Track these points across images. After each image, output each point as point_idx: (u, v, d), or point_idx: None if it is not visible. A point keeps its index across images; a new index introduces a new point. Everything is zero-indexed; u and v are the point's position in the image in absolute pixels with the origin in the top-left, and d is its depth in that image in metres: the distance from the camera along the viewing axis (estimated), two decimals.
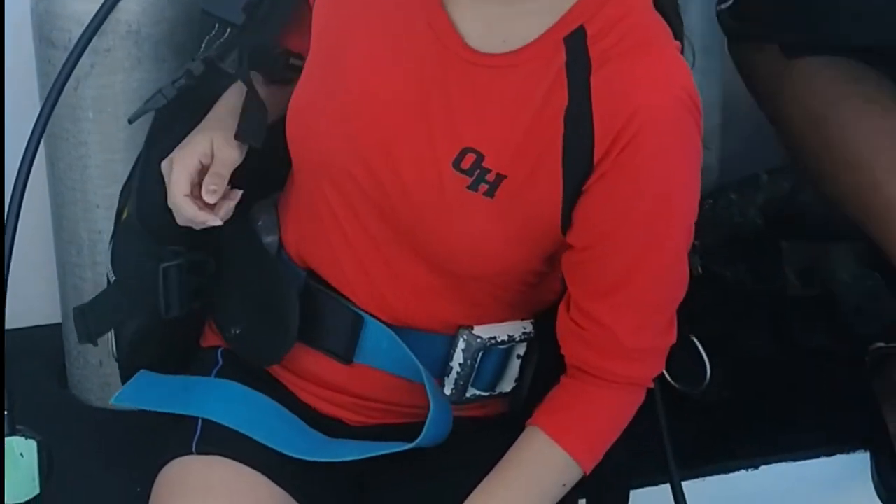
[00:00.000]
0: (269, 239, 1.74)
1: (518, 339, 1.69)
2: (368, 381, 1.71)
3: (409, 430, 1.66)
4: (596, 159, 1.52)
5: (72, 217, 2.09)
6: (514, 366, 1.71)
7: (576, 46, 1.53)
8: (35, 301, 2.27)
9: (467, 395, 1.70)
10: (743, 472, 2.02)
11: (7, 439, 1.82)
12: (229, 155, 1.63)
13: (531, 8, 1.55)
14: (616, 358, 1.60)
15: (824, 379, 2.21)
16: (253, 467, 1.64)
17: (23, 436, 1.83)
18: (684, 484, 1.84)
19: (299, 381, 1.74)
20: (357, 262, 1.66)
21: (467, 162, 1.55)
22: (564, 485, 1.61)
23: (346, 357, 1.69)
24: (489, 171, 1.55)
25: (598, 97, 1.51)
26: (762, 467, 2.02)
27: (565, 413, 1.62)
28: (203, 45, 1.75)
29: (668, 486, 1.84)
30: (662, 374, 1.83)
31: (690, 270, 1.80)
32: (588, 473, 1.62)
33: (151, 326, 1.76)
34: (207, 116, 1.68)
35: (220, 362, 1.76)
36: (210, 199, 1.60)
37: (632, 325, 1.59)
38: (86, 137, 2.04)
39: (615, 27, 1.54)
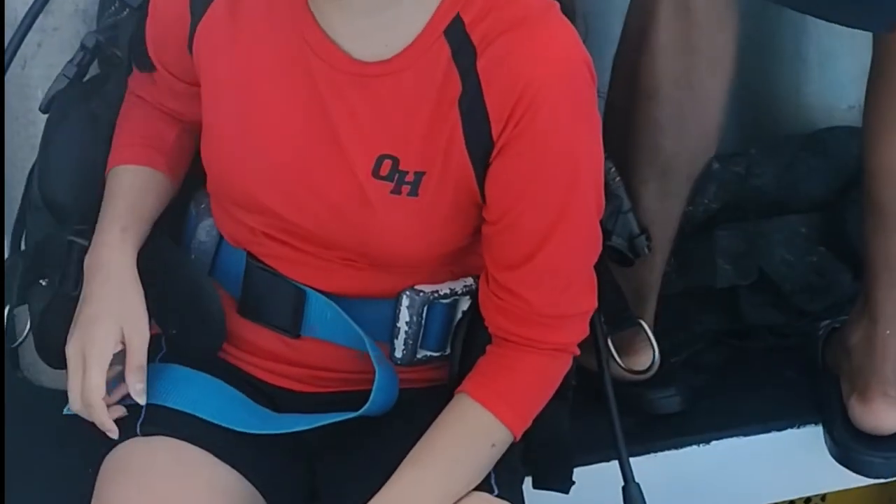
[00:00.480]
0: (207, 222, 1.76)
1: (461, 292, 1.71)
2: (317, 352, 1.73)
3: (360, 399, 1.68)
4: (495, 137, 1.57)
5: (20, 197, 2.07)
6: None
7: (456, 36, 1.57)
8: None
9: (418, 356, 1.72)
10: (694, 447, 2.03)
11: None
12: (143, 342, 1.64)
13: (400, 13, 1.58)
14: (534, 325, 1.63)
15: (773, 354, 2.23)
16: (198, 446, 1.65)
17: None
18: (633, 460, 1.85)
19: (248, 357, 1.76)
20: (291, 258, 1.70)
21: (385, 168, 1.60)
22: (493, 445, 1.63)
23: (293, 331, 1.72)
24: (407, 172, 1.59)
25: (486, 79, 1.56)
26: (713, 442, 2.03)
27: (491, 378, 1.64)
28: (101, 20, 1.82)
29: (616, 462, 1.84)
30: (610, 352, 1.88)
31: (638, 251, 1.84)
32: (518, 437, 1.64)
33: (60, 300, 1.77)
34: (94, 291, 1.66)
35: (164, 349, 1.78)
36: (140, 399, 1.63)
37: (547, 293, 1.62)
38: (34, 117, 2.01)
39: (491, 10, 1.57)
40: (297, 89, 1.62)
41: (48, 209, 1.77)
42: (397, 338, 1.70)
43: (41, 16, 1.90)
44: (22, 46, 1.89)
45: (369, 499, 1.61)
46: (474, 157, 1.58)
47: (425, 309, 1.69)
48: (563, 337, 1.65)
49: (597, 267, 1.72)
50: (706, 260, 2.25)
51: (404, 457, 1.63)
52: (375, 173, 1.60)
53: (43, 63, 1.98)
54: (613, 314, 1.88)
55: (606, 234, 1.79)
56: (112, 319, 1.62)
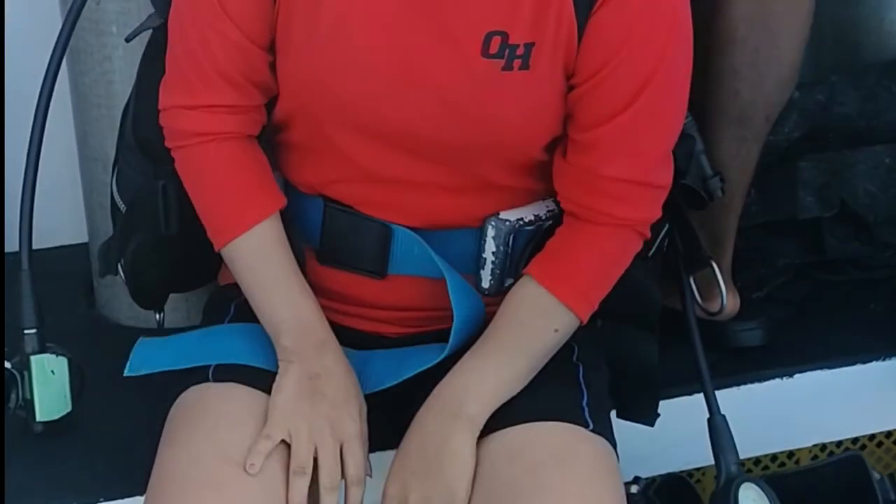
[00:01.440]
0: (275, 174, 1.72)
1: (544, 217, 1.68)
2: (404, 290, 1.71)
3: (447, 336, 1.65)
4: None
5: (97, 133, 2.09)
6: None
7: None
8: (62, 221, 2.27)
9: (505, 284, 1.69)
10: (778, 380, 2.00)
11: (38, 357, 1.84)
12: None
13: None
14: (604, 194, 1.61)
15: (857, 287, 2.20)
16: (268, 393, 1.62)
17: (53, 353, 1.85)
18: (718, 393, 1.83)
19: (334, 305, 1.73)
20: (371, 198, 1.67)
21: (494, 45, 1.56)
22: (557, 330, 1.62)
23: (381, 271, 1.69)
24: (517, 45, 1.56)
25: None
26: (797, 376, 2.00)
27: (554, 259, 1.63)
28: None
29: (701, 395, 1.83)
30: (692, 288, 1.86)
31: (711, 193, 1.82)
32: (584, 321, 1.63)
33: (153, 242, 1.77)
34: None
35: (232, 312, 1.76)
36: None
37: (621, 155, 1.60)
38: (110, 52, 2.04)
39: None
40: None
41: (140, 148, 1.73)
42: (484, 268, 1.68)
43: None
44: None
45: None
46: (579, 16, 1.56)
47: (511, 237, 1.67)
48: (632, 211, 1.63)
49: (670, 207, 1.71)
50: (788, 192, 2.21)
51: None
52: (485, 52, 1.56)
53: None
54: (688, 254, 1.87)
55: (679, 174, 1.76)
56: (361, 398, 1.62)
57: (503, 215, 1.67)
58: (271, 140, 1.70)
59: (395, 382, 1.66)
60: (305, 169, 1.70)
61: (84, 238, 2.26)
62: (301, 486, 1.55)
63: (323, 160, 1.67)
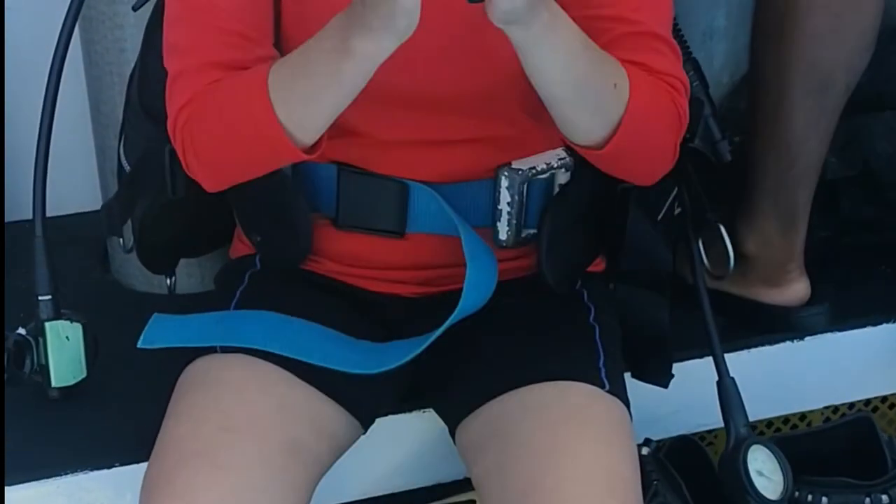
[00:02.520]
0: None
1: (556, 165, 1.69)
2: (423, 248, 1.72)
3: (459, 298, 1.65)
4: None
5: (109, 101, 2.09)
6: None
7: None
8: (75, 188, 2.27)
9: (522, 234, 1.70)
10: (788, 343, 2.00)
11: (52, 323, 1.85)
12: None
13: None
14: (646, 50, 1.62)
15: (869, 250, 2.21)
16: (275, 363, 1.64)
17: (68, 319, 1.86)
18: (729, 356, 1.85)
19: (352, 270, 1.75)
20: (387, 145, 1.67)
21: None
22: (616, 84, 1.58)
23: (400, 229, 1.70)
24: None
25: None
26: (807, 338, 2.01)
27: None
28: None
29: (710, 358, 1.84)
30: (700, 251, 1.87)
31: (721, 156, 1.83)
32: (630, 99, 1.59)
33: (160, 207, 1.78)
34: None
35: (258, 266, 1.78)
36: None
37: (653, 18, 1.63)
38: (122, 20, 2.04)
39: None
40: None
41: (146, 114, 1.74)
42: (500, 220, 1.69)
43: None
44: None
45: (487, 390, 1.64)
46: None
47: (525, 187, 1.67)
48: (660, 62, 1.62)
49: (678, 170, 1.72)
50: None
51: (514, 345, 1.66)
52: None
53: None
54: (695, 218, 1.88)
55: (688, 137, 1.77)
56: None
57: (515, 164, 1.67)
58: None
59: (411, 356, 1.65)
60: None
61: (97, 205, 2.26)
62: None
63: (332, 129, 1.64)
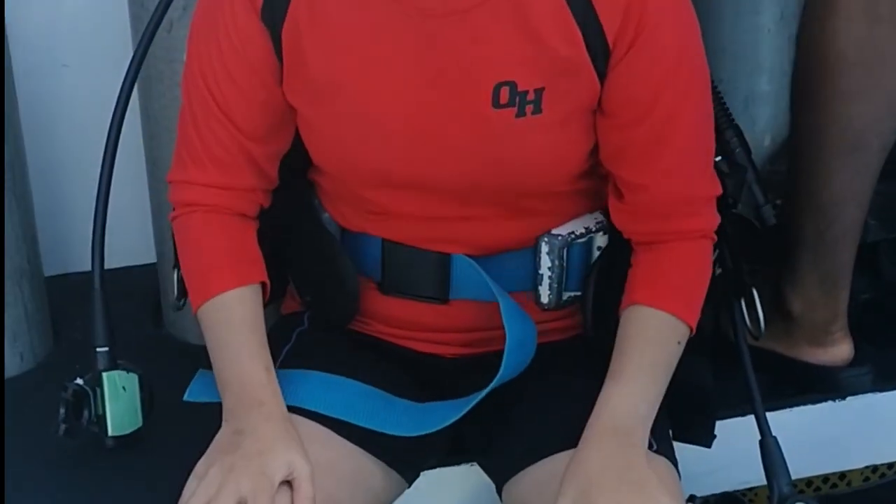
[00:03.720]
0: (326, 216, 1.79)
1: (594, 229, 1.75)
2: (465, 313, 1.77)
3: (499, 358, 1.69)
4: (611, 44, 1.61)
5: (166, 157, 2.07)
6: None
7: None
8: (131, 242, 2.32)
9: (563, 297, 1.76)
10: (830, 402, 2.03)
11: (110, 373, 1.91)
12: (310, 474, 1.59)
13: None
14: (666, 217, 1.69)
15: None
16: (316, 421, 1.68)
17: (124, 370, 1.91)
18: (771, 415, 1.86)
19: (398, 331, 1.80)
20: (425, 232, 1.73)
21: (504, 95, 1.62)
22: (679, 342, 1.68)
23: (443, 297, 1.76)
24: (526, 91, 1.61)
25: None
26: (849, 398, 2.03)
27: (652, 282, 1.70)
28: None
29: (752, 416, 1.86)
30: (742, 310, 1.90)
31: (765, 220, 1.86)
32: (695, 329, 1.69)
33: None
34: (258, 427, 1.61)
35: (306, 324, 1.84)
36: None
37: (669, 181, 1.68)
38: (179, 79, 2.02)
39: None
40: (396, 48, 1.62)
41: None
42: (542, 284, 1.75)
43: None
44: (168, 11, 1.93)
45: (536, 452, 1.67)
46: (597, 63, 1.62)
47: (565, 252, 1.73)
48: (695, 223, 1.71)
49: (721, 233, 1.77)
50: None
51: (560, 408, 1.68)
52: (496, 103, 1.61)
53: (188, 26, 1.98)
54: (735, 280, 1.90)
55: (731, 204, 1.82)
56: (283, 455, 1.59)
57: (555, 231, 1.73)
58: (319, 185, 1.79)
59: (455, 418, 1.69)
60: (349, 214, 1.78)
61: (152, 259, 2.33)
62: None
63: (367, 211, 1.74)
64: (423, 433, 1.69)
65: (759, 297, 1.89)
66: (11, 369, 2.16)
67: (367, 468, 1.70)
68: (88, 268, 1.96)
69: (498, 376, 1.68)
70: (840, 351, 2.04)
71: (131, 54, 1.95)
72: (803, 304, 2.03)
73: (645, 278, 1.71)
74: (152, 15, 1.91)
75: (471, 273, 1.73)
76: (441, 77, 1.62)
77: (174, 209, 1.76)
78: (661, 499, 1.56)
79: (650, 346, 1.67)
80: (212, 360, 1.70)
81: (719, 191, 1.75)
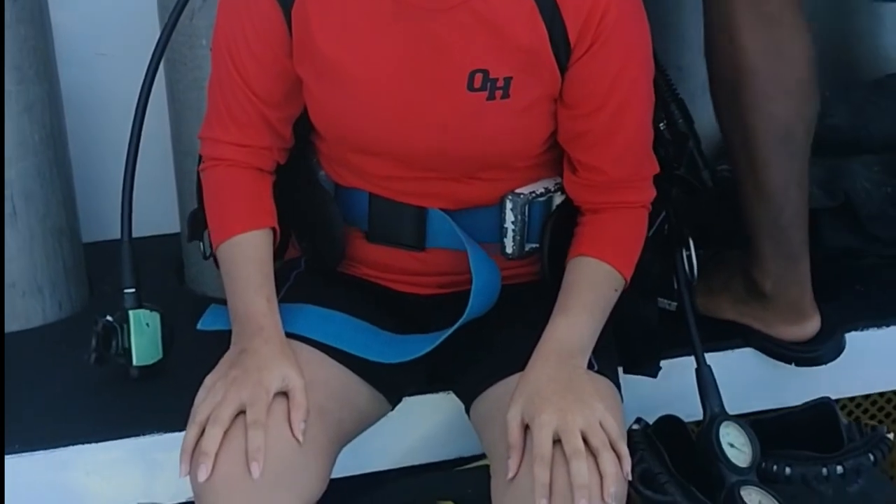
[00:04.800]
0: (322, 174, 2.07)
1: (553, 189, 2.02)
2: (439, 260, 2.04)
3: (467, 296, 1.96)
4: (573, 44, 1.88)
5: (189, 132, 2.40)
6: None
7: None
8: (158, 212, 2.56)
9: (526, 248, 2.03)
10: None
11: (135, 311, 2.18)
12: (303, 388, 1.85)
13: None
14: (614, 190, 1.97)
15: (848, 272, 2.49)
16: (312, 346, 1.94)
17: (148, 309, 2.19)
18: (708, 356, 2.13)
19: (382, 274, 2.08)
20: (407, 188, 2.00)
21: (477, 81, 1.90)
22: (616, 290, 1.95)
23: (420, 245, 2.03)
24: (497, 79, 1.89)
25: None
26: None
27: (597, 239, 1.97)
28: None
29: (692, 357, 2.12)
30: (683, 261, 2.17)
31: (704, 183, 2.15)
32: (629, 281, 1.96)
33: None
34: (258, 348, 1.86)
35: (302, 267, 2.11)
36: (299, 436, 1.83)
37: (623, 165, 1.96)
38: (200, 62, 2.36)
39: None
40: (389, 34, 1.89)
41: None
42: (506, 236, 2.01)
43: None
44: (190, 2, 2.20)
45: (495, 374, 1.93)
46: (559, 59, 1.89)
47: (526, 208, 2.00)
48: (636, 195, 1.99)
49: (664, 198, 2.05)
50: None
51: (516, 338, 1.93)
52: (470, 87, 1.89)
53: (208, 15, 2.28)
54: (675, 236, 2.16)
55: (673, 166, 2.10)
56: (279, 370, 1.85)
57: (518, 190, 2.00)
58: (318, 150, 2.05)
59: (430, 347, 1.96)
60: (343, 173, 2.04)
61: (175, 227, 2.59)
62: (189, 434, 1.81)
63: (356, 172, 2.02)
64: (402, 360, 1.95)
65: (695, 247, 2.15)
66: (51, 315, 2.45)
67: (354, 387, 1.96)
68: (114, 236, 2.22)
69: (465, 314, 1.95)
70: (811, 325, 2.25)
71: (156, 39, 2.19)
72: (773, 284, 2.23)
73: (589, 235, 1.98)
74: (175, 5, 2.16)
75: (444, 225, 2.00)
76: (425, 62, 1.89)
77: (202, 162, 2.03)
78: (595, 405, 1.81)
79: (591, 288, 1.93)
80: (225, 292, 1.97)
81: (657, 169, 2.02)
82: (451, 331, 1.96)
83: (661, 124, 2.08)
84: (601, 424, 1.80)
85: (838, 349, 2.29)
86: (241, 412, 1.80)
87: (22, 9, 2.31)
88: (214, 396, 1.83)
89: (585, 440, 1.78)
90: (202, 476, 1.76)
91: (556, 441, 1.78)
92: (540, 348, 1.88)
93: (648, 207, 2.02)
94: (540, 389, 1.83)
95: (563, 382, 1.83)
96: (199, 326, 2.04)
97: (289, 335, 1.93)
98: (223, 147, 2.00)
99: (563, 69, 1.90)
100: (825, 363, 2.27)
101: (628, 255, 1.98)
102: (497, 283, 2.01)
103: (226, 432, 1.79)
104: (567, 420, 1.78)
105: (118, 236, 2.21)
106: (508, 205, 2.00)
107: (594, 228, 1.99)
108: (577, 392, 1.83)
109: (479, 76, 1.89)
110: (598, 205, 1.99)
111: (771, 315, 2.26)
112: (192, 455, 1.80)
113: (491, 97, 1.90)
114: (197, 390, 1.89)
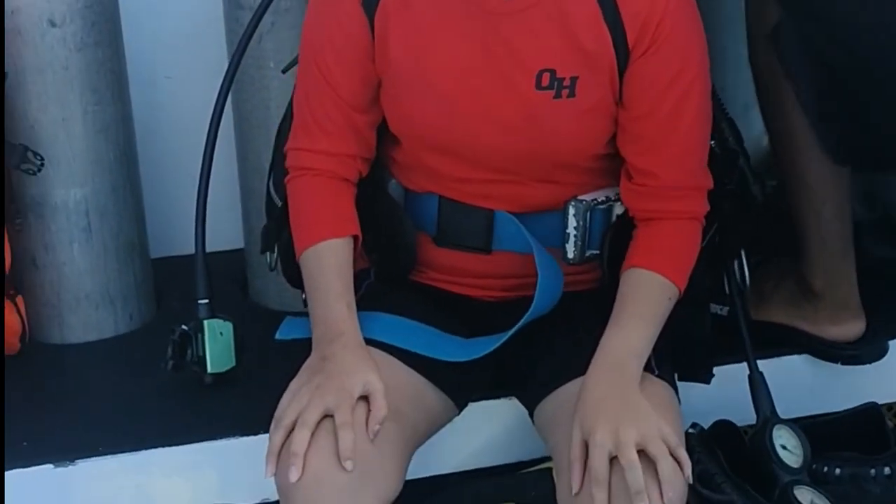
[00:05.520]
0: (392, 183, 2.15)
1: (613, 198, 2.10)
2: (505, 263, 2.12)
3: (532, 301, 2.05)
4: (631, 45, 1.98)
5: (255, 150, 2.51)
6: None
7: None
8: (223, 229, 2.61)
9: (586, 254, 2.11)
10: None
11: (209, 321, 2.28)
12: (382, 393, 1.92)
13: None
14: (667, 199, 2.04)
15: (891, 284, 2.55)
16: (385, 351, 2.02)
17: (221, 319, 2.28)
18: (760, 362, 2.21)
19: (448, 277, 2.16)
20: (474, 190, 2.08)
21: (545, 80, 1.99)
22: (669, 298, 2.01)
23: (487, 248, 2.11)
24: (563, 78, 1.99)
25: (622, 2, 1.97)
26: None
27: (649, 250, 2.04)
28: None
29: (744, 364, 2.21)
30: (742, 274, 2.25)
31: (754, 196, 2.22)
32: (683, 290, 2.02)
33: None
34: (337, 353, 1.94)
35: (372, 277, 2.20)
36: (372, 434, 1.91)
37: (675, 171, 2.03)
38: (268, 83, 2.46)
39: None
40: (463, 36, 1.99)
41: None
42: (568, 241, 2.09)
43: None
44: (259, 25, 2.30)
45: (558, 378, 2.01)
46: (618, 62, 1.98)
47: (588, 214, 2.08)
48: (688, 206, 2.05)
49: (717, 208, 2.11)
50: None
51: (577, 344, 2.01)
52: (538, 86, 1.99)
53: (275, 38, 2.41)
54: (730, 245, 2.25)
55: (726, 182, 2.17)
56: (361, 375, 1.92)
57: (581, 197, 2.08)
58: (391, 159, 2.13)
59: (495, 346, 2.05)
60: (416, 178, 2.13)
61: (240, 244, 2.69)
62: (276, 437, 1.88)
63: (427, 174, 2.10)
64: (468, 359, 2.04)
65: (746, 257, 2.24)
66: (122, 327, 2.55)
67: (426, 391, 2.05)
68: (186, 252, 2.32)
69: (528, 312, 2.03)
70: (857, 325, 2.35)
71: (224, 65, 2.31)
72: (824, 280, 2.33)
73: (643, 247, 2.05)
74: (246, 28, 2.27)
75: (510, 227, 2.08)
76: (496, 62, 1.99)
77: (289, 173, 2.11)
78: (650, 416, 1.89)
79: (644, 300, 2.00)
80: (307, 299, 2.05)
81: (711, 184, 2.08)
82: (516, 328, 2.04)
83: (712, 142, 2.15)
84: (659, 433, 1.87)
85: (881, 351, 2.37)
86: (326, 416, 1.88)
87: (100, 32, 2.42)
88: (300, 401, 1.90)
89: (644, 451, 1.85)
90: (294, 476, 1.84)
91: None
92: (595, 362, 1.96)
93: (702, 221, 2.08)
94: (595, 406, 1.90)
95: (617, 397, 1.91)
96: (276, 336, 2.14)
97: (365, 341, 2.01)
98: (309, 157, 2.08)
99: (622, 71, 1.99)
100: (868, 363, 2.36)
101: (682, 266, 2.05)
102: (560, 284, 2.09)
103: (312, 434, 1.86)
104: (620, 435, 1.85)
105: (181, 252, 2.30)
106: (571, 210, 2.08)
107: (647, 240, 2.06)
108: (632, 406, 1.90)
109: (546, 75, 1.99)
110: (651, 213, 2.05)
111: (821, 314, 2.35)
112: (279, 457, 1.87)
113: (558, 96, 1.99)
114: (266, 397, 1.98)
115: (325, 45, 2.05)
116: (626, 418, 1.87)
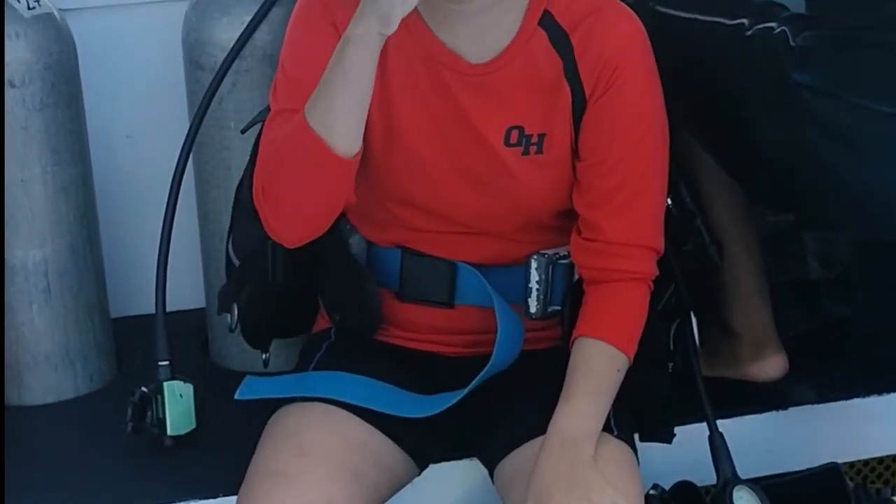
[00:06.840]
0: (356, 238, 2.15)
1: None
2: (467, 317, 2.14)
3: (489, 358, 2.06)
4: (587, 95, 2.00)
5: (216, 211, 2.51)
6: None
7: (549, 25, 2.00)
8: (183, 289, 2.60)
9: (549, 309, 2.12)
10: (773, 412, 2.38)
11: (169, 383, 2.27)
12: None
13: (502, 9, 1.99)
14: (615, 256, 2.04)
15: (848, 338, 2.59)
16: (345, 409, 2.03)
17: (181, 380, 2.28)
18: (720, 422, 2.21)
19: (409, 334, 2.17)
20: (438, 242, 2.10)
21: (514, 137, 2.03)
22: (619, 370, 2.02)
23: (450, 302, 2.13)
24: (531, 135, 2.02)
25: (579, 53, 2.00)
26: (791, 409, 2.38)
27: (597, 318, 2.04)
28: None
29: (704, 423, 2.21)
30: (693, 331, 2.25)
31: (710, 258, 2.26)
32: (632, 359, 2.03)
33: (263, 291, 2.19)
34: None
35: (333, 338, 2.20)
36: None
37: (625, 227, 2.04)
38: (228, 143, 2.46)
39: (571, 3, 2.00)
40: (430, 94, 2.02)
41: (254, 216, 2.08)
42: (531, 296, 2.11)
43: (236, 60, 2.34)
44: (220, 86, 2.32)
45: (517, 439, 2.02)
46: (575, 114, 2.01)
47: (550, 268, 2.10)
48: (636, 266, 2.05)
49: (671, 272, 2.15)
50: (797, 258, 2.63)
51: (538, 402, 2.01)
52: (506, 142, 2.01)
53: (236, 99, 2.41)
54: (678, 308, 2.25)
55: (682, 242, 2.21)
56: None
57: (543, 251, 2.10)
58: (352, 214, 2.13)
59: (454, 401, 2.06)
60: (381, 231, 2.13)
61: (200, 304, 2.67)
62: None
63: (393, 226, 2.12)
64: (427, 415, 2.05)
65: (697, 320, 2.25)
66: (82, 388, 2.53)
67: (387, 450, 2.05)
68: (147, 311, 2.33)
69: (487, 366, 2.04)
70: (777, 363, 2.38)
71: (184, 125, 2.33)
72: (740, 317, 2.37)
73: (591, 313, 2.06)
74: (207, 88, 2.30)
75: (473, 280, 2.10)
76: (466, 119, 2.02)
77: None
78: (604, 491, 1.91)
79: (594, 373, 2.01)
80: (315, 103, 1.93)
81: (661, 248, 2.08)
82: (474, 383, 2.05)
83: (669, 202, 2.17)
84: None
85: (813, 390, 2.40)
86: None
87: (59, 93, 2.41)
88: None
89: None
90: None
91: None
92: (548, 439, 1.97)
93: (650, 285, 2.08)
94: (547, 486, 1.92)
95: (568, 476, 1.92)
96: (236, 397, 2.13)
97: (325, 400, 2.03)
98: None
99: (578, 119, 2.02)
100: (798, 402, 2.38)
101: (630, 335, 2.05)
102: (520, 338, 2.10)
103: None
104: None
105: (142, 312, 2.30)
106: (533, 264, 2.11)
107: (596, 305, 2.06)
108: (584, 483, 1.92)
109: (514, 132, 2.02)
110: (598, 272, 2.05)
111: (740, 353, 2.39)
112: None
113: (526, 153, 2.02)
114: (227, 459, 2.01)
115: (303, 82, 1.98)
116: (579, 493, 1.89)
